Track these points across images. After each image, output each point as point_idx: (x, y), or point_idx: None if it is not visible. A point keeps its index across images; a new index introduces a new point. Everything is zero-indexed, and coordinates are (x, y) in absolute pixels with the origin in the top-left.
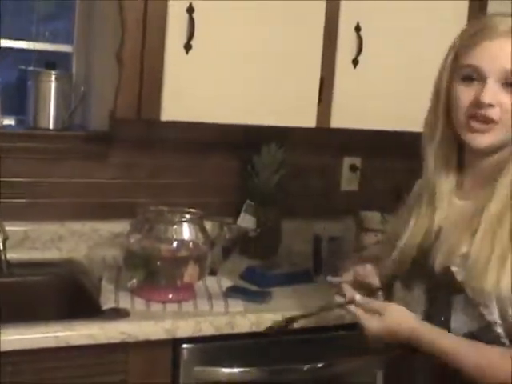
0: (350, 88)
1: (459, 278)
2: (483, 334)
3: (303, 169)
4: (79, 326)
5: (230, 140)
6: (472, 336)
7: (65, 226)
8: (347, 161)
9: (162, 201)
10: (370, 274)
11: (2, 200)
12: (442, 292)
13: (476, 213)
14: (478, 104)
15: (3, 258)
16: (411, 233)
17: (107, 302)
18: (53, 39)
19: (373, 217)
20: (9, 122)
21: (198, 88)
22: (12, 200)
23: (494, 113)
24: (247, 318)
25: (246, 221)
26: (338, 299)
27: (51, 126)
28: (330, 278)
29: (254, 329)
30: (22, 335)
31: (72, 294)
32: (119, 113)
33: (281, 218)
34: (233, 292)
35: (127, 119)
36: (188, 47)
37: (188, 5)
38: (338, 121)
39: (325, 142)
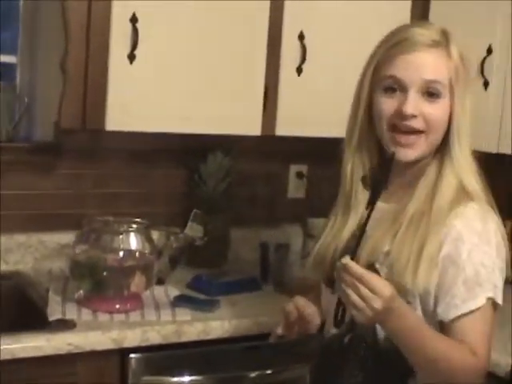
0: (294, 96)
1: (382, 274)
2: None
3: (250, 177)
4: (25, 337)
5: (176, 149)
6: None
7: (12, 238)
8: (293, 168)
9: (108, 211)
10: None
11: None
12: None
13: (398, 214)
14: (400, 115)
15: None
16: (325, 236)
17: (54, 314)
18: None
19: (320, 223)
20: None
21: (143, 97)
22: None
23: (417, 123)
24: (194, 327)
25: (194, 230)
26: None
27: None
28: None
29: (202, 337)
30: None
31: (19, 306)
32: (64, 123)
33: (228, 226)
34: (180, 301)
35: (72, 129)
36: (132, 57)
37: (131, 15)
38: (283, 129)
39: (271, 149)
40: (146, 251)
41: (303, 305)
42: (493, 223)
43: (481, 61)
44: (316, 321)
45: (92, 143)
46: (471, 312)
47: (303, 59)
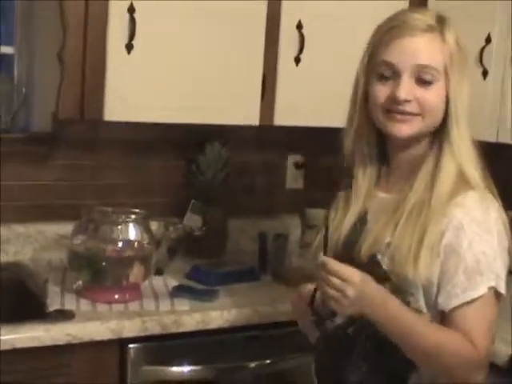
0: (292, 86)
1: (384, 266)
2: None
3: (248, 167)
4: (24, 328)
5: (175, 139)
6: None
7: (10, 228)
8: (291, 158)
9: (107, 201)
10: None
11: None
12: None
13: (399, 204)
14: (394, 100)
15: None
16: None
17: (53, 304)
18: None
19: (318, 214)
20: None
21: (141, 87)
22: None
23: (411, 107)
24: (193, 317)
25: (192, 220)
26: None
27: None
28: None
29: (201, 327)
30: None
31: (18, 297)
32: (62, 113)
33: (226, 216)
34: (179, 291)
35: (70, 120)
36: (129, 47)
37: (129, 5)
38: (281, 118)
39: (269, 139)
40: (145, 242)
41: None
42: (494, 212)
43: (480, 50)
44: None
45: (90, 134)
46: (472, 301)
47: (301, 49)
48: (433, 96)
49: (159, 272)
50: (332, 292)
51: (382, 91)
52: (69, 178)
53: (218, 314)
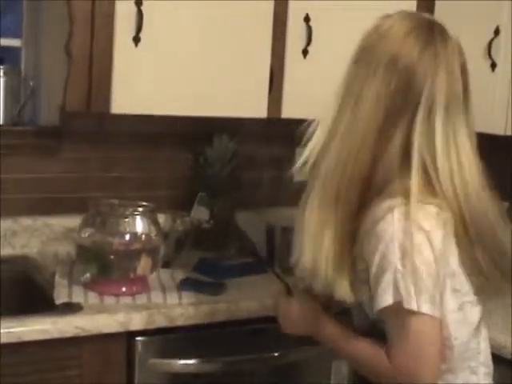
0: (300, 78)
1: None
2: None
3: (255, 159)
4: (32, 321)
5: (182, 132)
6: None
7: (17, 221)
8: (299, 151)
9: (114, 194)
10: None
11: None
12: None
13: None
14: None
15: None
16: None
17: (60, 297)
18: (1, 33)
19: None
20: None
21: (148, 80)
22: None
23: None
24: (200, 310)
25: (200, 213)
26: None
27: (0, 122)
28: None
29: (208, 320)
30: None
31: (25, 290)
32: (69, 106)
33: (234, 209)
34: (186, 284)
35: (77, 113)
36: (137, 40)
37: None
38: (289, 111)
39: (276, 132)
40: (152, 234)
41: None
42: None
43: (488, 42)
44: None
45: (97, 126)
46: (382, 311)
47: (309, 41)
48: None
49: (166, 265)
50: None
51: None
52: (76, 170)
53: (225, 307)
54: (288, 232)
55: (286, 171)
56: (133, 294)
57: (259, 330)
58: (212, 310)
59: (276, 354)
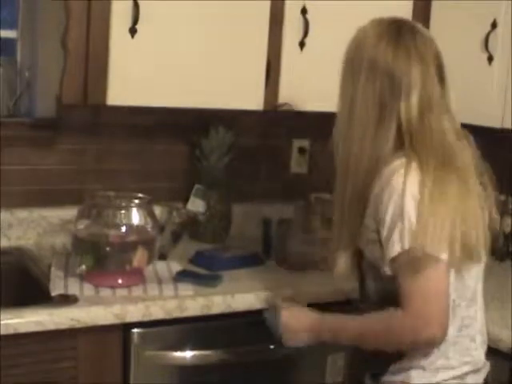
0: (296, 70)
1: None
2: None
3: (252, 152)
4: (28, 312)
5: (178, 124)
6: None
7: (13, 213)
8: (296, 143)
9: (110, 186)
10: None
11: None
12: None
13: None
14: None
15: None
16: None
17: (56, 289)
18: None
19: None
20: None
21: (144, 72)
22: None
23: None
24: (197, 302)
25: (196, 205)
26: None
27: None
28: None
29: (205, 312)
30: None
31: (21, 282)
32: (65, 98)
33: (230, 201)
34: (183, 276)
35: (73, 104)
36: (133, 31)
37: None
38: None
39: (273, 124)
40: (148, 226)
41: None
42: None
43: (485, 35)
44: None
45: (93, 118)
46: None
47: (306, 33)
48: None
49: (163, 257)
50: None
51: None
52: (72, 162)
53: (222, 299)
54: (284, 224)
55: (283, 163)
56: (129, 286)
57: (255, 323)
58: (208, 302)
59: (272, 347)
